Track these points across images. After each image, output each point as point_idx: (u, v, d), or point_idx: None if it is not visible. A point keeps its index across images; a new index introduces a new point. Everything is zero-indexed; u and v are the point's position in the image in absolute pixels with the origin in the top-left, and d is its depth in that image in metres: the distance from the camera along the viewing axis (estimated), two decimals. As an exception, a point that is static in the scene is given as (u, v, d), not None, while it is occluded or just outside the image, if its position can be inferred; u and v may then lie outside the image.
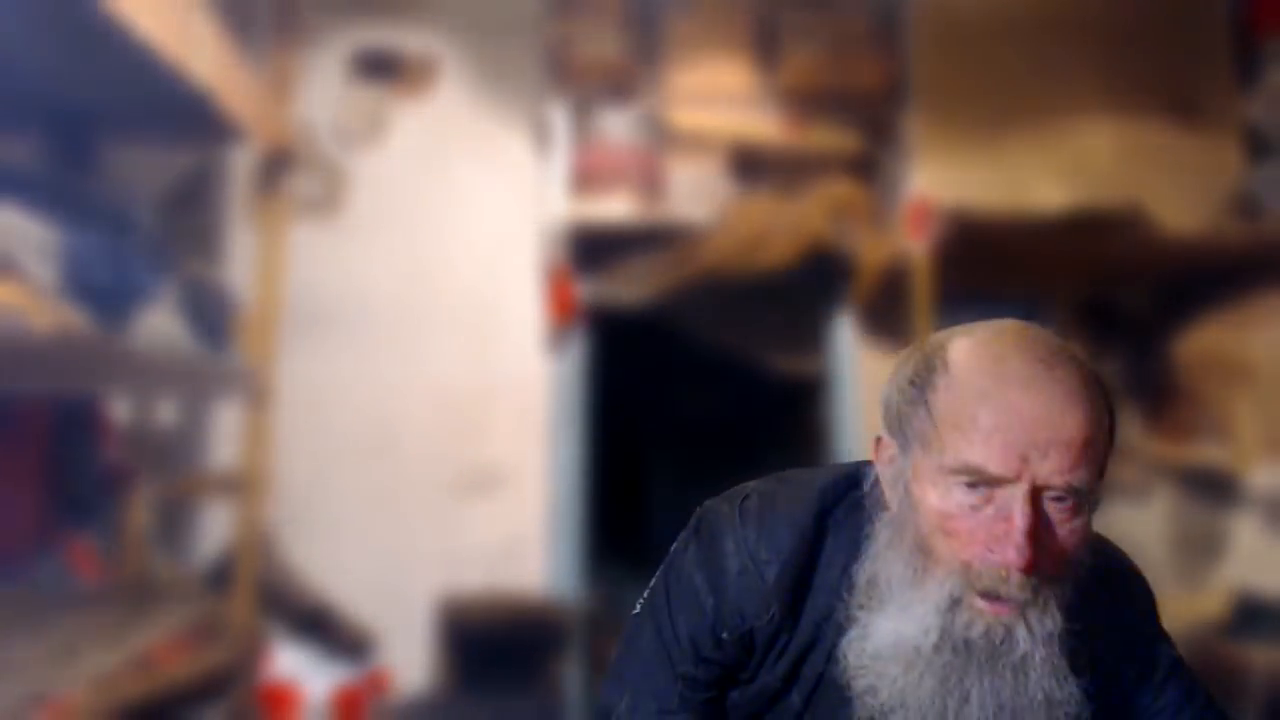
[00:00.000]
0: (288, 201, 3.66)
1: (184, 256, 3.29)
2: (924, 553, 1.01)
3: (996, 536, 0.97)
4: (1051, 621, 0.99)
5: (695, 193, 3.87)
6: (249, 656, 3.26)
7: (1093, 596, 1.08)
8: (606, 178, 3.92)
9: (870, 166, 3.93)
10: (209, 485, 3.71)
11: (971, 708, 1.00)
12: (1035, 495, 0.97)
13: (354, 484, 3.86)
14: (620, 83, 4.01)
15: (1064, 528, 0.99)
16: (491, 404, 3.95)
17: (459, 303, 3.98)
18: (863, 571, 1.06)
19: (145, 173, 3.48)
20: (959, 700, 1.00)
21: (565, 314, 3.97)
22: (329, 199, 3.93)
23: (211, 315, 3.16)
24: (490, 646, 3.71)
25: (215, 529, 3.66)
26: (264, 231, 3.57)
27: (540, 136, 4.01)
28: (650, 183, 3.91)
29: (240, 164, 3.77)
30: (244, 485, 3.46)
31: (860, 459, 1.17)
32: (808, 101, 3.92)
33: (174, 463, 3.72)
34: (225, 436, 3.67)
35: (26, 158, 2.96)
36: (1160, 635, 1.15)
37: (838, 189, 3.81)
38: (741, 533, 1.11)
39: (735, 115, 3.93)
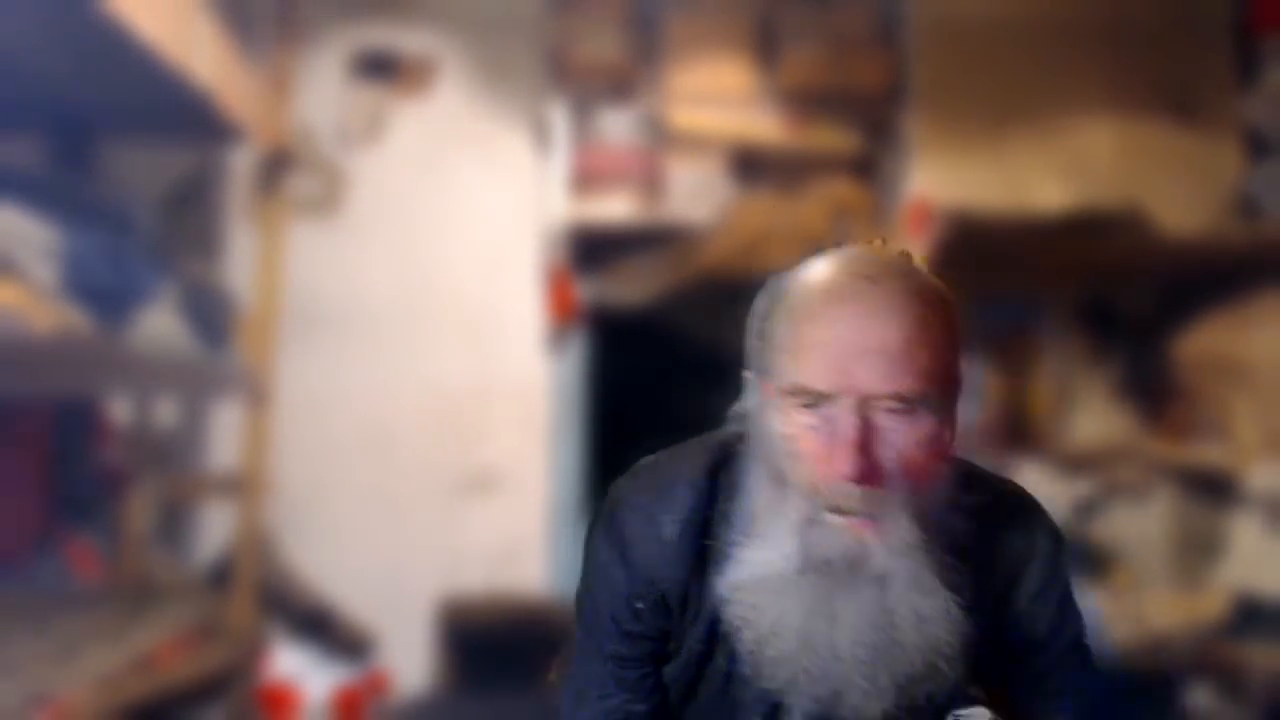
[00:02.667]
0: (287, 202, 3.66)
1: (184, 256, 3.29)
2: (780, 480, 1.02)
3: (832, 452, 0.97)
4: (907, 534, 0.99)
5: (695, 193, 3.87)
6: (249, 656, 3.26)
7: (989, 534, 1.08)
8: (606, 178, 3.92)
9: (870, 166, 3.93)
10: (209, 485, 3.71)
11: (841, 628, 0.99)
12: (864, 407, 0.97)
13: (354, 484, 3.86)
14: (620, 83, 4.01)
15: (902, 437, 0.98)
16: (491, 404, 3.95)
17: (459, 303, 3.98)
18: (736, 507, 1.07)
19: (145, 173, 3.48)
20: (828, 621, 1.00)
21: (565, 314, 3.97)
22: (328, 199, 3.93)
23: (211, 315, 3.16)
24: (490, 646, 3.71)
25: (215, 529, 3.66)
26: (264, 232, 3.57)
27: (540, 136, 4.01)
28: (650, 183, 3.91)
29: (240, 164, 3.76)
30: (244, 485, 3.46)
31: None
32: (808, 101, 3.92)
33: (174, 463, 3.72)
34: (225, 436, 3.67)
35: (26, 158, 2.96)
36: (1061, 618, 1.13)
37: (838, 189, 3.81)
38: (639, 499, 1.13)
39: (735, 115, 3.93)
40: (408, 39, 4.05)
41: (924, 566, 1.00)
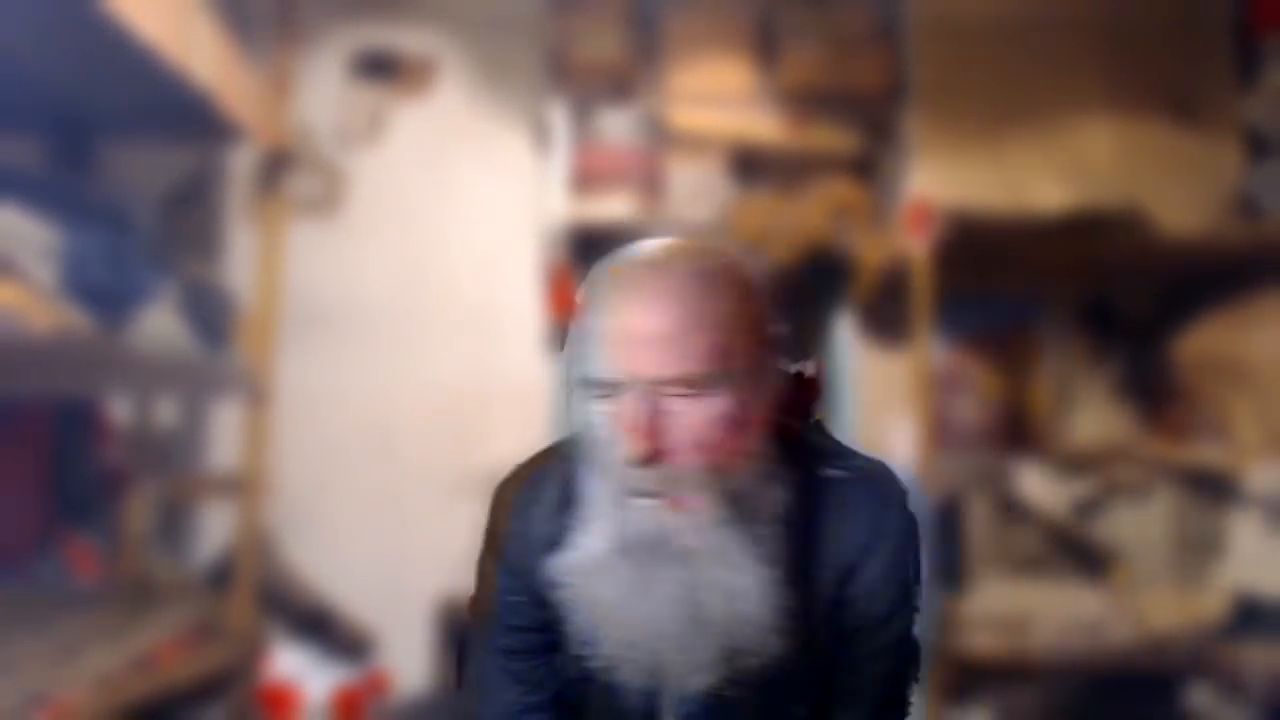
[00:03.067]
0: (287, 201, 3.66)
1: (184, 256, 3.29)
2: (595, 467, 1.06)
3: (626, 437, 1.01)
4: (711, 511, 1.02)
5: (695, 193, 3.87)
6: (249, 656, 3.26)
7: (835, 509, 1.10)
8: (606, 178, 3.91)
9: (870, 166, 3.93)
10: (209, 485, 3.71)
11: (654, 606, 1.02)
12: (651, 392, 1.00)
13: (354, 484, 3.86)
14: (620, 83, 4.00)
15: (692, 418, 1.01)
16: (491, 404, 3.95)
17: (459, 303, 3.98)
18: (571, 497, 1.11)
19: (145, 173, 3.48)
20: (642, 600, 1.02)
21: (565, 313, 3.96)
22: (328, 199, 3.93)
23: (211, 315, 3.17)
24: (490, 646, 3.70)
25: (215, 529, 3.66)
26: (264, 231, 3.57)
27: (540, 136, 4.00)
28: (650, 183, 3.91)
29: (240, 164, 3.76)
30: (244, 485, 3.46)
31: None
32: (808, 101, 3.92)
33: (174, 463, 3.72)
34: (225, 436, 3.66)
35: (26, 158, 2.96)
36: (905, 597, 1.12)
37: (838, 189, 3.81)
38: (509, 496, 1.19)
39: (735, 115, 3.93)
40: (408, 39, 4.05)
41: (734, 542, 1.02)
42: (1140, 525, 3.45)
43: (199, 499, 3.71)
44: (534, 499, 1.16)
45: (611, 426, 1.03)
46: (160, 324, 2.71)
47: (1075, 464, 3.55)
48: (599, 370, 1.03)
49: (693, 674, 1.04)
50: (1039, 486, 3.49)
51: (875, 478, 1.14)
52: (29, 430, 3.01)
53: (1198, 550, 3.44)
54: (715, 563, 1.02)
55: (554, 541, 1.10)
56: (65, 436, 3.13)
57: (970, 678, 3.28)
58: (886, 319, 3.72)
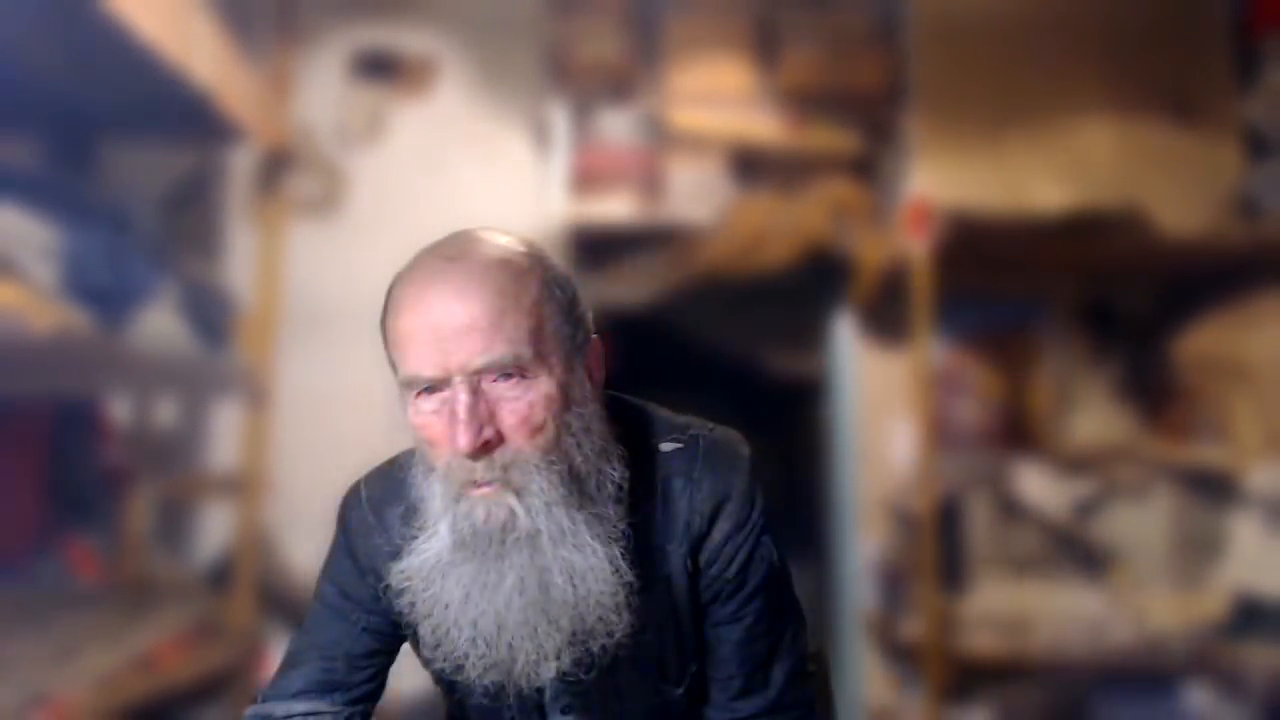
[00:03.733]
0: (287, 201, 3.66)
1: (184, 256, 3.29)
2: (428, 469, 1.06)
3: (454, 430, 1.00)
4: (547, 492, 1.01)
5: (695, 193, 3.87)
6: (249, 656, 3.26)
7: (679, 480, 1.11)
8: (606, 178, 3.91)
9: (870, 166, 3.93)
10: (209, 485, 3.71)
11: (500, 595, 1.02)
12: (470, 382, 1.00)
13: (354, 484, 3.85)
14: (620, 83, 4.00)
15: (519, 402, 1.01)
16: (491, 404, 3.94)
17: (459, 303, 3.97)
18: (412, 505, 1.10)
19: (145, 173, 3.47)
20: (488, 591, 1.02)
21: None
22: (328, 199, 3.93)
23: (211, 315, 3.17)
24: (490, 646, 3.70)
25: (215, 529, 3.66)
26: (264, 231, 3.57)
27: (540, 136, 4.00)
28: (650, 183, 3.91)
29: (240, 164, 3.76)
30: (244, 485, 3.46)
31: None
32: (808, 101, 3.92)
33: (174, 463, 3.72)
34: (225, 436, 3.66)
35: (26, 158, 2.96)
36: (754, 557, 1.12)
37: (838, 189, 3.81)
38: (362, 494, 1.19)
39: (735, 115, 3.93)
40: (408, 39, 4.04)
41: (575, 521, 1.02)
42: (1140, 525, 3.45)
43: (199, 499, 3.71)
44: (389, 494, 1.16)
45: (438, 423, 1.02)
46: (160, 324, 2.71)
47: (1075, 464, 3.55)
48: (418, 369, 1.02)
49: (541, 660, 1.03)
50: (1039, 486, 3.49)
51: (715, 445, 1.15)
52: (29, 430, 3.01)
53: (1198, 550, 3.44)
54: (558, 544, 1.02)
55: (396, 554, 1.10)
56: (65, 436, 3.12)
57: (970, 678, 3.28)
58: (886, 319, 3.72)
